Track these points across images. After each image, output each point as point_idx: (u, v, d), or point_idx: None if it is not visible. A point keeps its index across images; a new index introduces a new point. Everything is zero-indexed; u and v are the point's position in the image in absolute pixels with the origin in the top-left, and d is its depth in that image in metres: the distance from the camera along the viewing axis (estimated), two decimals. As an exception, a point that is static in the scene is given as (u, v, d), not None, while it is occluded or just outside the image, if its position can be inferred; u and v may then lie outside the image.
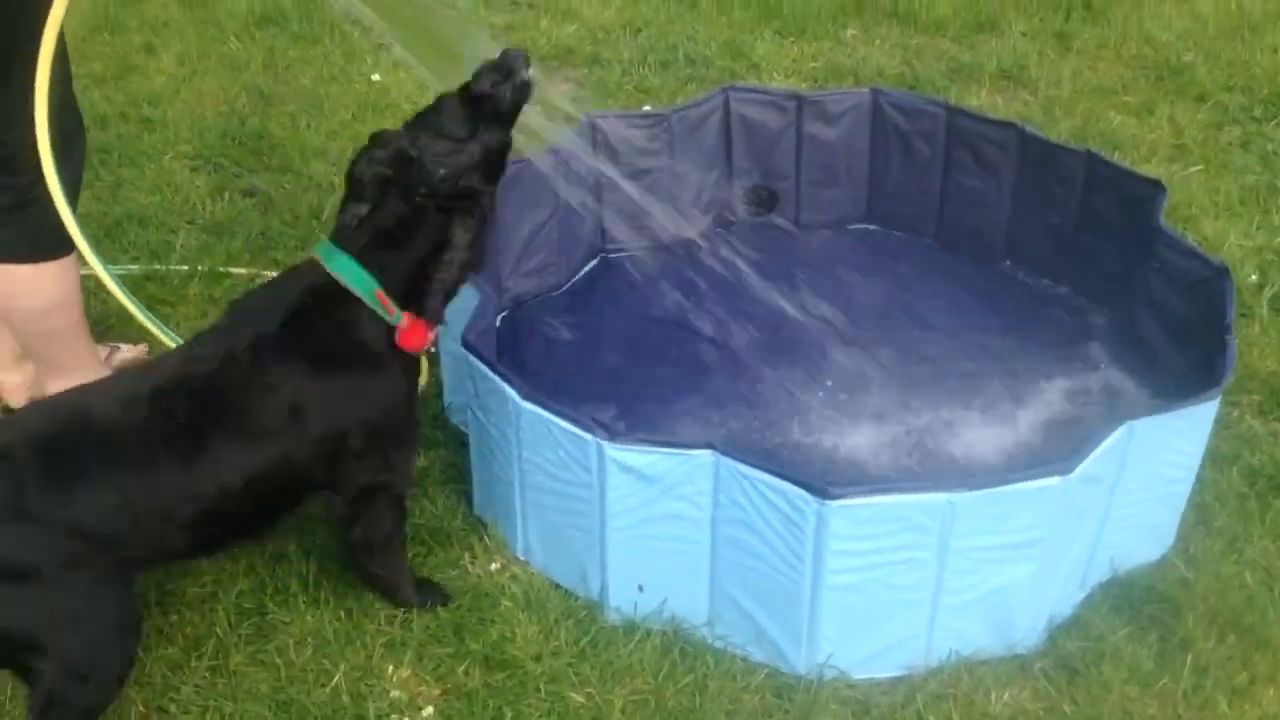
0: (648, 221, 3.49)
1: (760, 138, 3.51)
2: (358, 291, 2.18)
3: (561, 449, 2.32)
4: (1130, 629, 2.40)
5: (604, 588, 2.43)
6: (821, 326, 3.20)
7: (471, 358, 2.46)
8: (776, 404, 2.98)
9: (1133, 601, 2.46)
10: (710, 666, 2.34)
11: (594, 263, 3.52)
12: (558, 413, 2.31)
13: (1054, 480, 2.16)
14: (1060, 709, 2.27)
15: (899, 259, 3.50)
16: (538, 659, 2.35)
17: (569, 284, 3.44)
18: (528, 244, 3.26)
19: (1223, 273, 2.65)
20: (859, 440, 2.89)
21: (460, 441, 2.85)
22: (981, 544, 2.20)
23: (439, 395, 2.98)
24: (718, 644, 2.39)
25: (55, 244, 2.66)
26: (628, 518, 2.32)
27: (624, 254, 3.54)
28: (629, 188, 3.31)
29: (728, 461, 2.20)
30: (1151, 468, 2.38)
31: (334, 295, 2.19)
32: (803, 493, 2.14)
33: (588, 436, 2.26)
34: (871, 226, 3.63)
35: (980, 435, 2.88)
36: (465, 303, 2.67)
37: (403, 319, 2.21)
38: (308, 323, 2.19)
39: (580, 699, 2.28)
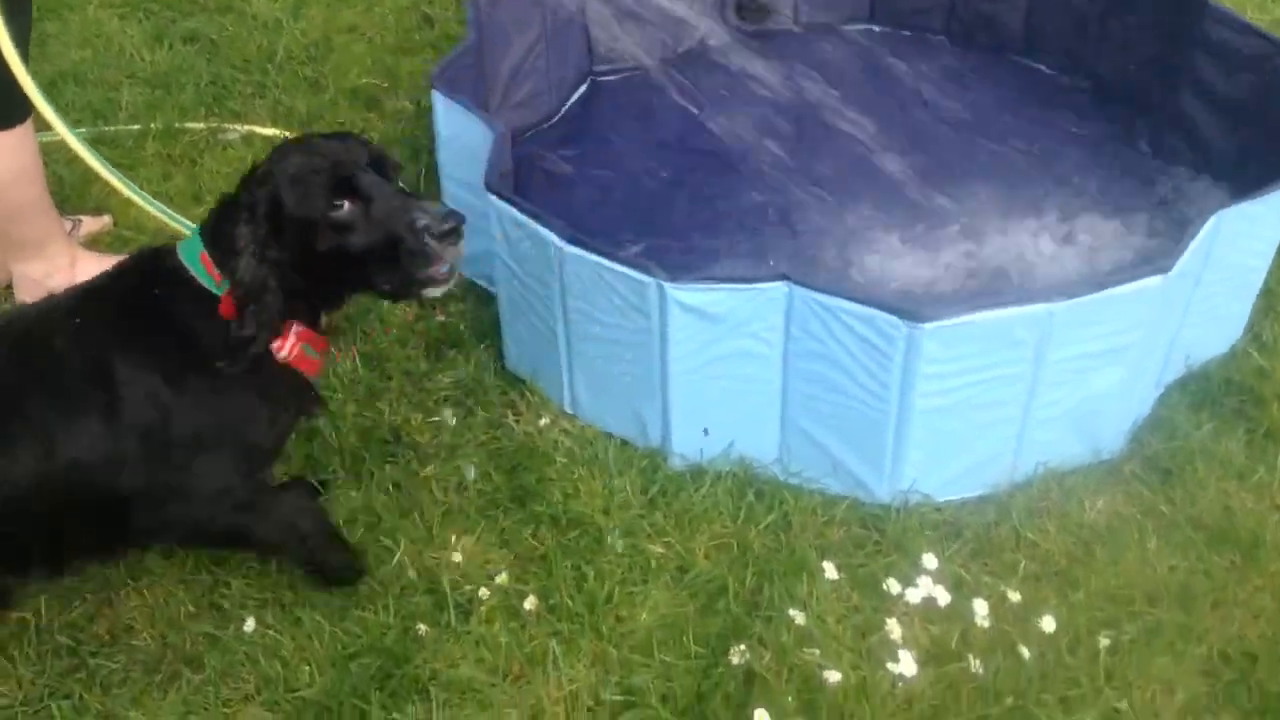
0: (640, 34, 3.23)
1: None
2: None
3: (615, 294, 2.14)
4: (1215, 423, 2.32)
5: (666, 434, 2.28)
6: (846, 140, 3.01)
7: (501, 204, 2.24)
8: (811, 228, 2.81)
9: (1212, 395, 2.38)
10: (790, 503, 2.22)
11: (584, 87, 3.27)
12: (610, 256, 2.11)
13: (1155, 280, 2.03)
14: (1157, 510, 2.20)
15: (910, 59, 3.28)
16: (606, 513, 2.21)
17: (561, 113, 3.19)
18: (515, 72, 2.99)
19: (1283, 46, 2.50)
20: (905, 261, 2.73)
21: (478, 296, 2.66)
22: (1076, 353, 2.08)
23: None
24: (792, 481, 2.27)
25: (8, 110, 2.36)
26: (691, 360, 2.16)
27: (614, 75, 3.29)
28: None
29: (804, 293, 2.04)
30: (1232, 258, 2.27)
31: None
32: (892, 318, 1.99)
33: (647, 279, 2.07)
34: (876, 27, 3.39)
35: (1034, 245, 2.73)
36: (472, 143, 2.44)
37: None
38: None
39: (660, 549, 2.16)
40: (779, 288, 2.05)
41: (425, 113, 3.19)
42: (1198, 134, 2.76)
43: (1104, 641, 1.99)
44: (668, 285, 2.06)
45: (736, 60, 3.27)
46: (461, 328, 2.60)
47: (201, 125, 3.17)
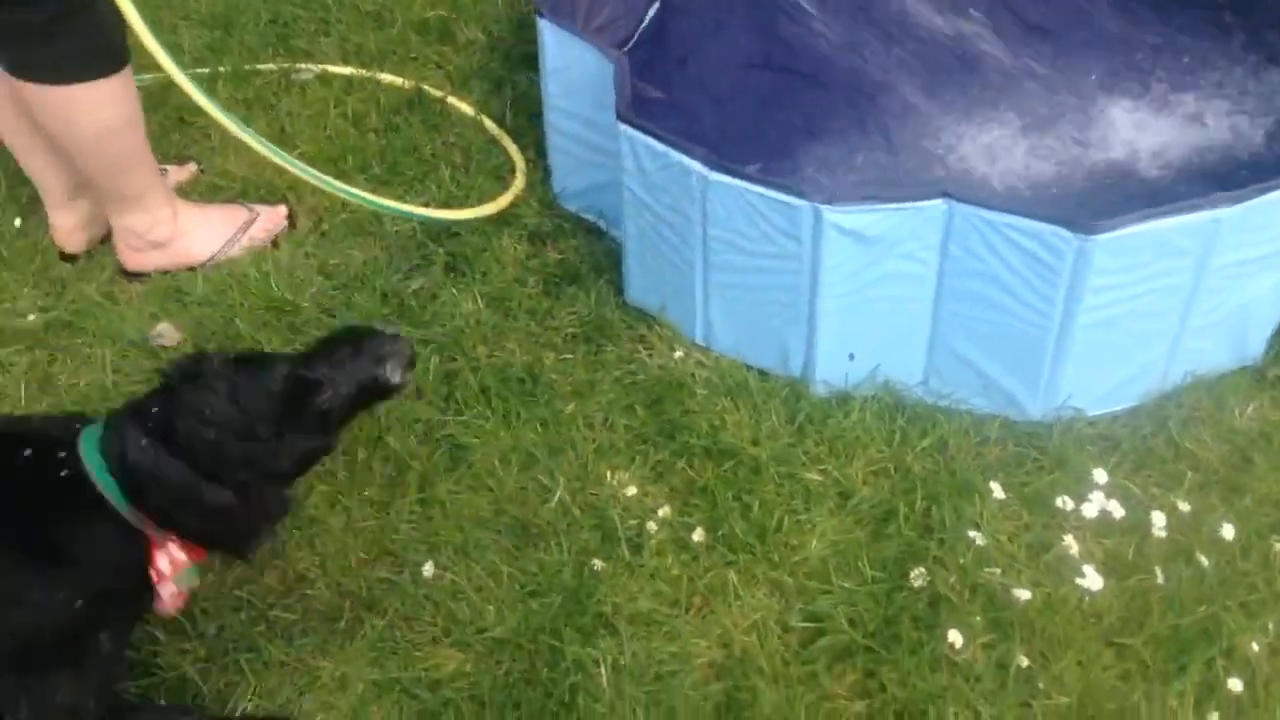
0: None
1: None
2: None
3: (764, 220, 2.10)
4: (1357, 323, 2.33)
5: (808, 362, 2.26)
6: (934, 43, 2.96)
7: (636, 134, 2.18)
8: (908, 135, 2.77)
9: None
10: (944, 425, 2.21)
11: (655, 7, 3.18)
12: (761, 181, 2.07)
13: (1318, 181, 2.02)
14: (1311, 414, 2.21)
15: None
16: (755, 443, 2.20)
17: (636, 36, 3.11)
18: (596, -4, 2.91)
19: None
20: (1015, 160, 2.71)
21: (588, 230, 2.62)
22: (1237, 259, 2.07)
23: (544, 181, 2.71)
24: (941, 403, 2.26)
25: (112, 55, 2.27)
26: (843, 284, 2.13)
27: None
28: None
29: (965, 209, 2.01)
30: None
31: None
32: (1062, 231, 1.96)
33: (801, 202, 2.04)
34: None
35: (1147, 136, 2.71)
36: (584, 74, 2.38)
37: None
38: None
39: (817, 476, 2.15)
40: (938, 205, 2.02)
41: (499, 42, 3.12)
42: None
43: (1278, 546, 2.01)
44: (824, 208, 2.02)
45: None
46: (578, 263, 2.55)
47: (273, 66, 3.07)
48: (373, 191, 2.65)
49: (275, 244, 2.63)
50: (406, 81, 2.97)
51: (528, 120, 2.87)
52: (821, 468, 2.16)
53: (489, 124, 2.86)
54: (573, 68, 2.45)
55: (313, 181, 2.47)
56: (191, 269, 2.59)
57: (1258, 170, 2.59)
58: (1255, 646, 1.89)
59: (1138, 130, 2.75)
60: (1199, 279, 2.07)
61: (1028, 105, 2.84)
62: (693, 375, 2.31)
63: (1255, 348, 2.28)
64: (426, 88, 2.95)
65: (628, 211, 2.32)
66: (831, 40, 3.01)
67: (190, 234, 2.58)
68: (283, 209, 2.68)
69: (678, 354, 2.36)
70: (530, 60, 3.02)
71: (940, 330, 2.19)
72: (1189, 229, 1.98)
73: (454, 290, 2.50)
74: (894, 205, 2.02)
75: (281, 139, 2.84)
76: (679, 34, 3.11)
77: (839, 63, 2.93)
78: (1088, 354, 2.13)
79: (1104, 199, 2.61)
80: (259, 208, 2.67)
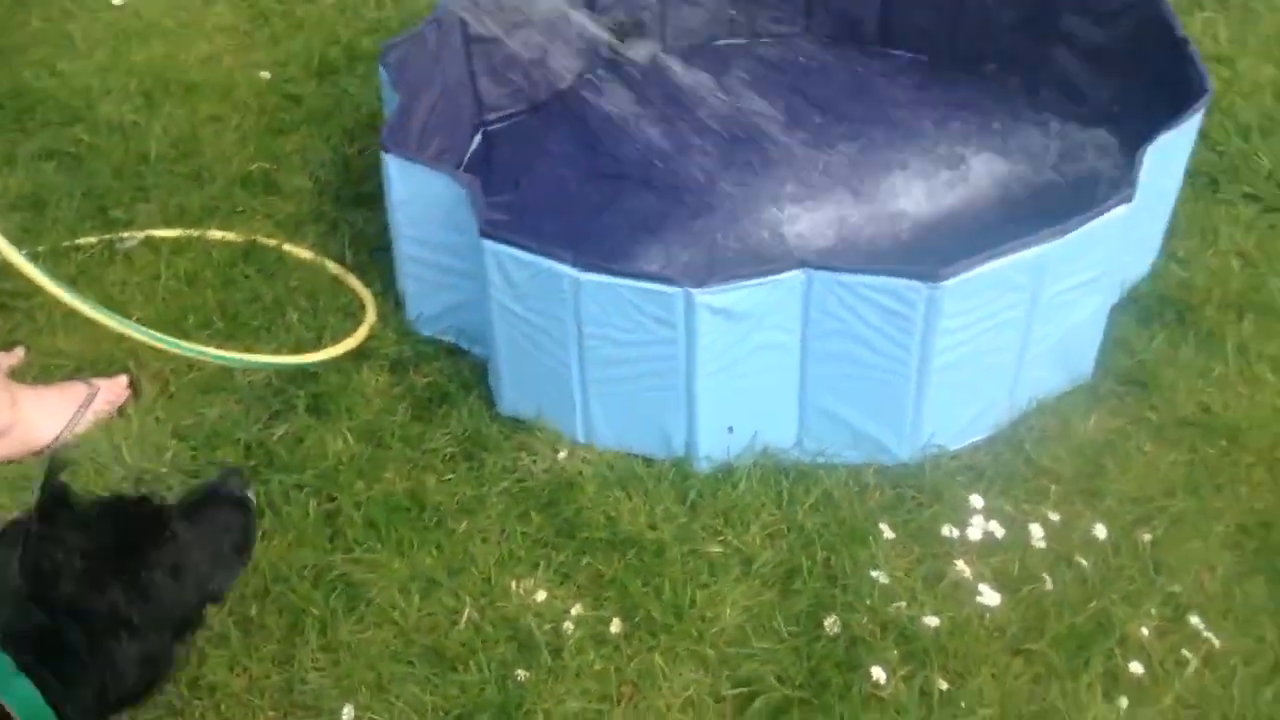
0: (523, 79, 3.30)
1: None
2: None
3: (638, 312, 2.19)
4: (1164, 334, 2.57)
5: (690, 441, 2.35)
6: (743, 141, 3.16)
7: (502, 247, 2.26)
8: (736, 220, 2.93)
9: (1151, 311, 2.62)
10: (824, 479, 2.32)
11: (478, 139, 3.30)
12: (632, 274, 2.18)
13: (1122, 209, 2.25)
14: (1143, 418, 2.42)
15: (782, 66, 3.45)
16: (653, 527, 2.26)
17: (463, 165, 3.21)
18: (424, 130, 3.00)
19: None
20: (834, 230, 2.89)
21: (449, 351, 2.66)
22: (1063, 288, 2.28)
23: (396, 312, 2.75)
24: (818, 459, 2.37)
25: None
26: (717, 361, 2.24)
27: (503, 123, 3.34)
28: (511, 42, 3.11)
29: (822, 275, 2.15)
30: (1156, 183, 2.51)
31: None
32: (912, 283, 2.12)
33: (674, 289, 2.14)
34: (738, 40, 3.56)
35: (939, 202, 2.93)
36: (432, 201, 2.46)
37: None
38: None
39: (718, 548, 2.23)
40: (798, 275, 2.16)
41: (326, 186, 3.16)
42: (1074, 86, 3.03)
43: (1146, 537, 2.18)
44: (695, 291, 2.13)
45: (618, 89, 3.37)
46: (445, 384, 2.58)
47: (93, 239, 3.02)
48: (218, 346, 2.64)
49: (122, 414, 2.57)
50: (237, 235, 2.97)
51: (369, 256, 2.91)
52: (720, 539, 2.24)
53: (330, 265, 2.88)
54: (420, 197, 2.51)
55: (160, 345, 2.44)
56: (37, 454, 2.50)
57: (1048, 216, 2.84)
58: (1144, 631, 2.04)
59: (934, 192, 2.97)
60: (1033, 311, 2.26)
61: (836, 179, 3.03)
62: (580, 473, 2.36)
63: (1085, 367, 2.49)
64: (259, 239, 2.96)
65: (496, 324, 2.38)
66: (652, 145, 3.17)
67: (30, 419, 2.49)
68: (123, 379, 2.62)
69: (561, 455, 2.41)
70: (362, 199, 3.10)
71: (809, 392, 2.31)
72: (1022, 265, 2.17)
73: (321, 431, 2.49)
74: (758, 281, 2.15)
75: (113, 310, 2.78)
76: (505, 160, 3.24)
77: (662, 164, 3.08)
78: (944, 394, 2.28)
79: (919, 257, 2.81)
80: (98, 382, 2.60)
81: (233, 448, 2.45)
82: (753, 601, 2.13)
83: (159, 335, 2.45)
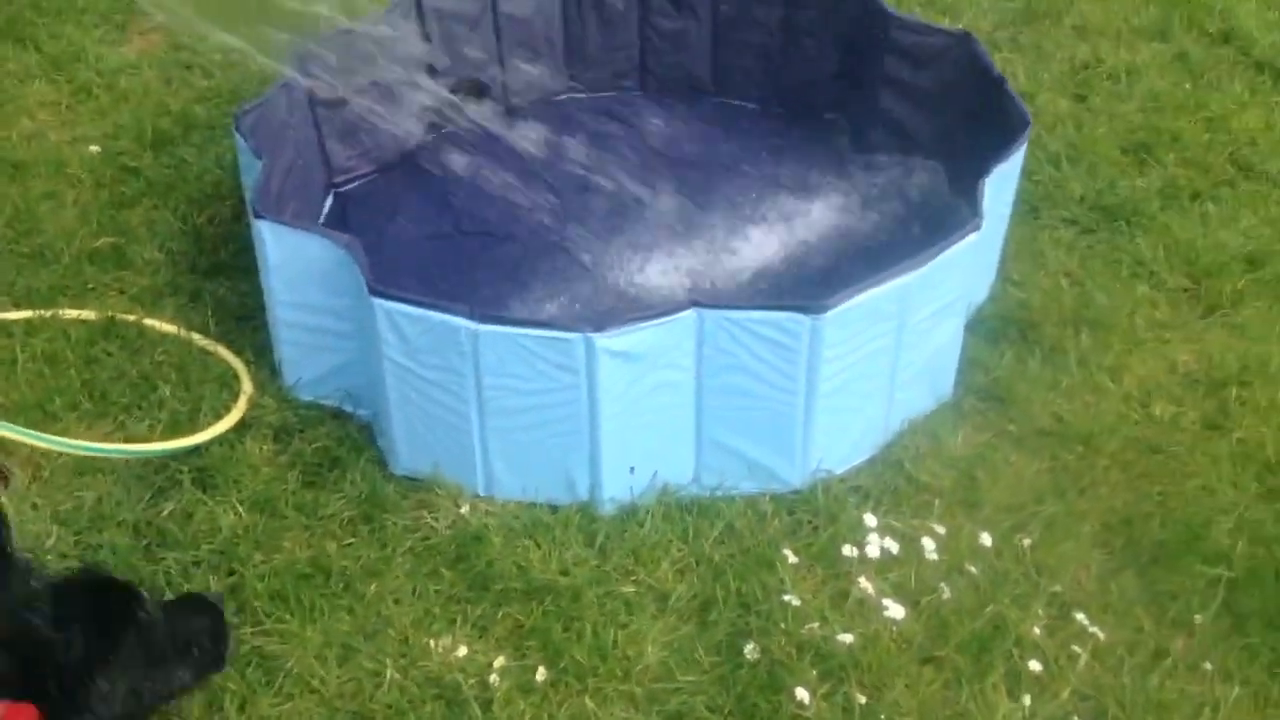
0: (371, 140, 3.32)
1: (457, 27, 3.41)
2: None
3: (538, 360, 2.24)
4: (1011, 352, 2.76)
5: (595, 484, 2.40)
6: (592, 193, 3.24)
7: (393, 304, 2.27)
8: (600, 269, 3.02)
9: (996, 332, 2.82)
10: (725, 511, 2.41)
11: (330, 200, 3.29)
12: (530, 323, 2.23)
13: (973, 236, 2.43)
14: (1005, 431, 2.60)
15: (621, 116, 3.56)
16: (565, 573, 2.30)
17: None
18: (280, 193, 2.97)
19: (966, 37, 3.02)
20: (683, 281, 2.99)
21: (333, 415, 2.63)
22: (925, 314, 2.44)
23: (272, 379, 2.71)
24: (716, 493, 2.45)
25: None
26: (618, 403, 2.30)
27: (354, 184, 3.34)
28: (356, 106, 3.13)
29: (712, 313, 2.25)
30: (993, 211, 2.71)
31: None
32: (796, 315, 2.25)
33: (574, 335, 2.20)
34: (580, 95, 3.65)
35: (779, 246, 3.08)
36: (308, 264, 2.46)
37: None
38: None
39: (631, 588, 2.28)
40: (690, 314, 2.25)
41: (180, 257, 3.09)
42: (899, 126, 3.23)
43: (1025, 542, 2.35)
44: (595, 336, 2.20)
45: (463, 148, 3.41)
46: (334, 448, 2.56)
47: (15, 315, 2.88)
48: (88, 428, 2.56)
49: (5, 488, 2.45)
50: (93, 313, 2.87)
51: (235, 324, 2.86)
52: (633, 578, 2.30)
53: (197, 337, 2.82)
54: (294, 260, 2.50)
55: (36, 443, 2.37)
56: None
57: (885, 252, 3.00)
58: (1036, 630, 2.20)
59: (771, 237, 3.11)
60: (900, 336, 2.41)
61: (681, 229, 3.14)
62: (486, 525, 2.38)
63: (946, 387, 2.66)
64: (118, 315, 2.87)
65: (390, 382, 2.38)
66: (503, 201, 3.23)
67: None
68: None
69: (464, 509, 2.42)
70: (219, 268, 3.04)
71: (704, 426, 2.40)
72: (891, 295, 2.32)
73: (210, 505, 2.43)
74: (654, 322, 2.23)
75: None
76: (360, 221, 3.22)
77: (522, 220, 3.13)
78: (829, 420, 2.41)
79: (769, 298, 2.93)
80: None
81: (119, 529, 2.39)
82: (672, 636, 2.20)
83: (33, 433, 2.37)
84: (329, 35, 3.19)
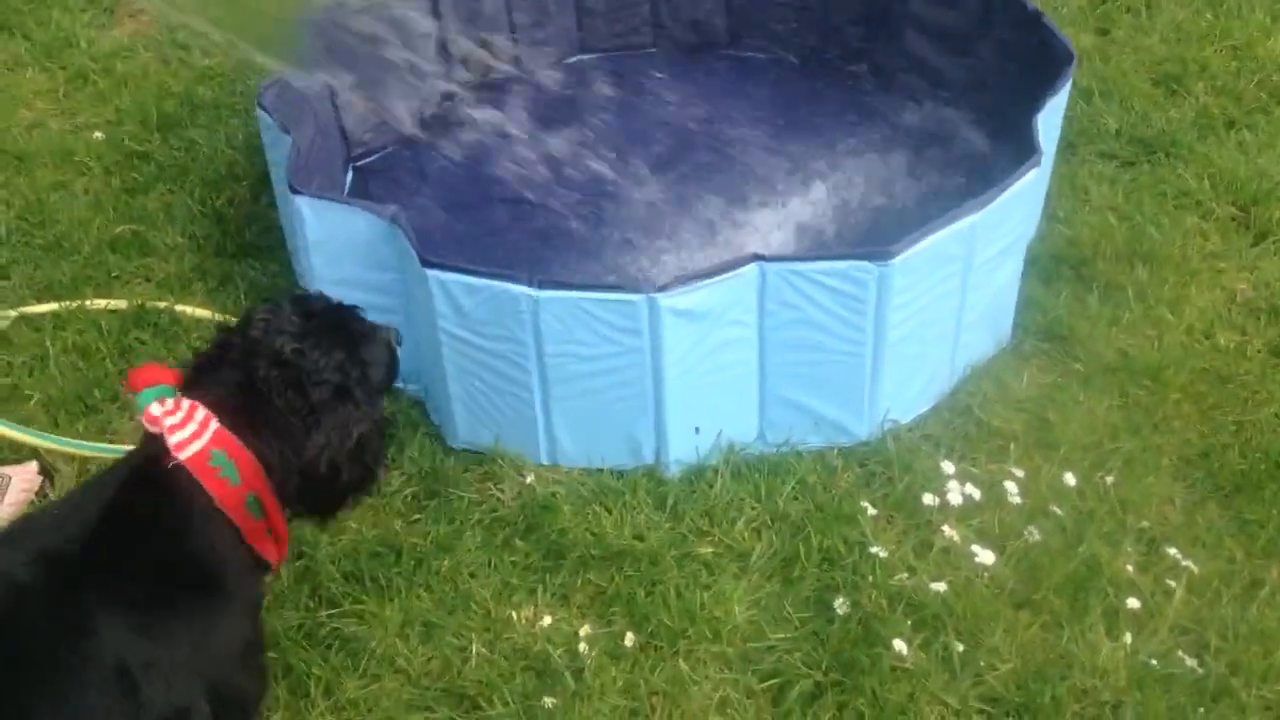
0: (386, 114, 3.23)
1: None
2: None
3: (601, 324, 2.18)
4: (1067, 291, 2.72)
5: (660, 447, 2.35)
6: (618, 161, 3.16)
7: (451, 275, 2.20)
8: (610, 246, 2.93)
9: (1049, 271, 2.78)
10: (795, 467, 2.36)
11: (350, 175, 3.20)
12: (593, 286, 2.16)
13: (1033, 174, 2.37)
14: (1071, 370, 2.56)
15: (636, 78, 3.47)
16: (640, 538, 2.25)
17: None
18: (306, 166, 2.89)
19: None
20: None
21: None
22: (989, 255, 2.38)
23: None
24: (782, 450, 2.40)
25: None
26: (683, 364, 2.24)
27: (373, 156, 3.25)
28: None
29: (775, 265, 2.19)
30: (1046, 150, 2.66)
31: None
32: (863, 264, 2.19)
33: (637, 296, 2.14)
34: (588, 56, 3.56)
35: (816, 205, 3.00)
36: (351, 239, 2.38)
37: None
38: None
39: (709, 549, 2.23)
40: (753, 268, 2.19)
41: (205, 241, 3.00)
42: (928, 68, 3.17)
43: (1108, 479, 2.31)
44: (658, 296, 2.13)
45: (479, 114, 3.33)
46: (388, 426, 2.49)
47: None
48: (130, 419, 2.47)
49: (41, 496, 2.38)
50: (122, 302, 2.79)
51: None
52: (709, 539, 2.24)
53: (232, 320, 2.73)
54: (336, 236, 2.42)
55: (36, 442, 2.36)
56: None
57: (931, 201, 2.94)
58: (1129, 568, 2.16)
59: (810, 195, 3.04)
60: (966, 278, 2.36)
61: (717, 195, 3.05)
62: (554, 494, 2.32)
63: (1005, 331, 2.61)
64: (147, 302, 2.78)
65: (446, 354, 2.31)
66: (530, 166, 3.14)
67: None
68: (33, 465, 2.44)
69: (529, 479, 2.36)
70: (247, 250, 2.96)
71: (769, 383, 2.34)
72: (957, 236, 2.27)
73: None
74: (717, 279, 2.17)
75: (9, 398, 2.57)
76: (381, 195, 3.13)
77: (546, 188, 3.05)
78: (896, 369, 2.36)
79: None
80: (7, 470, 2.41)
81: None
82: (758, 595, 2.15)
83: (32, 431, 2.37)
84: (338, 15, 3.09)
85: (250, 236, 3.00)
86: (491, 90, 3.43)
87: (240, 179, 3.21)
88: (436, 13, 3.30)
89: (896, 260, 2.19)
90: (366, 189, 3.16)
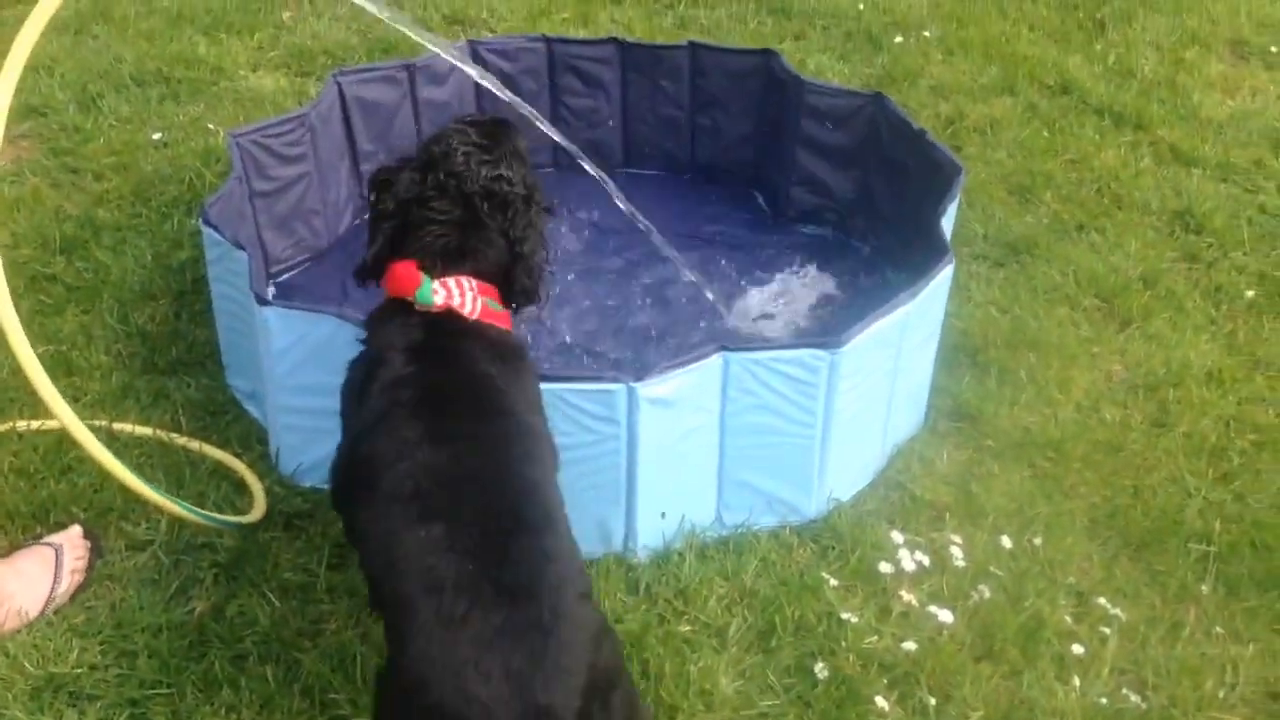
0: (309, 228, 3.31)
1: (380, 116, 3.45)
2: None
3: (579, 413, 2.30)
4: (970, 374, 2.98)
5: (629, 533, 2.46)
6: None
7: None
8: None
9: (950, 357, 3.02)
10: (756, 545, 2.50)
11: (273, 291, 3.24)
12: (570, 377, 2.29)
13: (949, 269, 2.64)
14: (983, 445, 2.79)
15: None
16: (620, 621, 2.34)
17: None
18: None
19: (879, 97, 3.27)
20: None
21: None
22: (916, 340, 2.63)
23: (274, 466, 2.65)
24: (738, 530, 2.55)
25: None
26: (655, 451, 2.38)
27: (291, 272, 3.31)
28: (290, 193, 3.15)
29: (738, 355, 2.37)
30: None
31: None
32: (817, 351, 2.39)
33: (617, 386, 2.27)
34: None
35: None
36: (318, 343, 2.45)
37: None
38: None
39: (688, 628, 2.34)
40: (718, 358, 2.36)
41: (131, 360, 2.97)
42: (818, 182, 3.45)
43: (1036, 540, 2.54)
44: (637, 385, 2.27)
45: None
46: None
47: None
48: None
49: (100, 558, 2.44)
50: (45, 424, 2.73)
51: (209, 419, 2.79)
52: (687, 617, 2.36)
53: (177, 437, 2.73)
54: (301, 342, 2.48)
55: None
56: (30, 624, 2.32)
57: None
58: (1067, 618, 2.38)
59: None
60: (897, 362, 2.59)
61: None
62: (528, 586, 2.39)
63: (921, 413, 2.85)
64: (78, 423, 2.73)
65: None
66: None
67: (14, 593, 2.31)
68: (76, 529, 2.46)
69: (503, 573, 2.42)
70: (177, 365, 2.95)
71: (727, 467, 2.50)
72: (894, 324, 2.50)
73: (241, 600, 2.36)
74: (688, 367, 2.32)
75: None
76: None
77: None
78: (841, 450, 2.55)
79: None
80: (54, 538, 2.43)
81: (146, 633, 2.28)
82: (742, 666, 2.27)
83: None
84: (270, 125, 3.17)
85: (178, 353, 2.99)
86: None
87: (157, 297, 3.20)
88: (351, 139, 3.42)
89: (846, 347, 2.40)
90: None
